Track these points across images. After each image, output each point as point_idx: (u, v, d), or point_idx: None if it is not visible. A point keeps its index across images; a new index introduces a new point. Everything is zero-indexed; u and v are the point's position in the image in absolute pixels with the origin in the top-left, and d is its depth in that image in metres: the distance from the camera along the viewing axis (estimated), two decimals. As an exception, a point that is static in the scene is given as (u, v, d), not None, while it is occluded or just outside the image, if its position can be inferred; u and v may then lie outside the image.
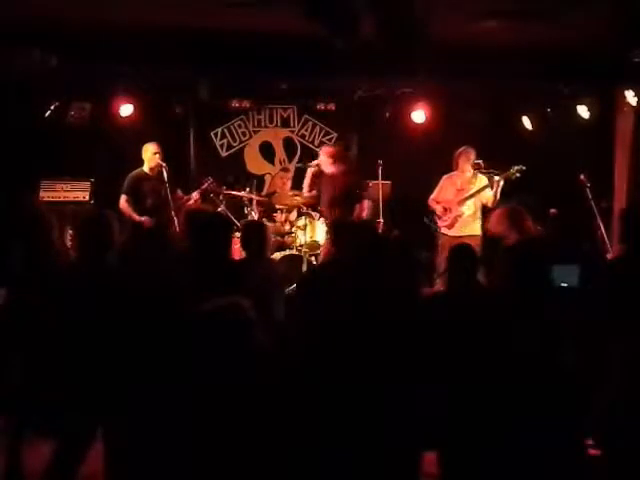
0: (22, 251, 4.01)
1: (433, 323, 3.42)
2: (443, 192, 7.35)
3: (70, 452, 3.51)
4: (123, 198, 6.80)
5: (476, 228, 7.21)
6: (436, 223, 7.36)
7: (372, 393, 2.85)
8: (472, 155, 7.22)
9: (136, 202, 6.81)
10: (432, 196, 7.41)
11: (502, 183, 7.02)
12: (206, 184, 7.28)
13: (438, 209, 7.31)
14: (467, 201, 7.19)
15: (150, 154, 6.87)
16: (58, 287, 3.67)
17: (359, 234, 4.66)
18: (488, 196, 7.12)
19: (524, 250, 3.56)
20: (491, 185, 7.11)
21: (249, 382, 2.42)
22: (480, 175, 7.25)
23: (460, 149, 7.27)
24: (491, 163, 7.31)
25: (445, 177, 7.38)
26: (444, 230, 7.28)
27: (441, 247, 7.20)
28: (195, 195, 7.07)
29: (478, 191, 7.15)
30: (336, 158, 7.29)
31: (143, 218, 6.75)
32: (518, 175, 7.04)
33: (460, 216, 7.21)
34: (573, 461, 2.92)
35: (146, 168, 6.92)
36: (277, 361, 2.66)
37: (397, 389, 2.95)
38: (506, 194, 7.44)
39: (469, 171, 7.23)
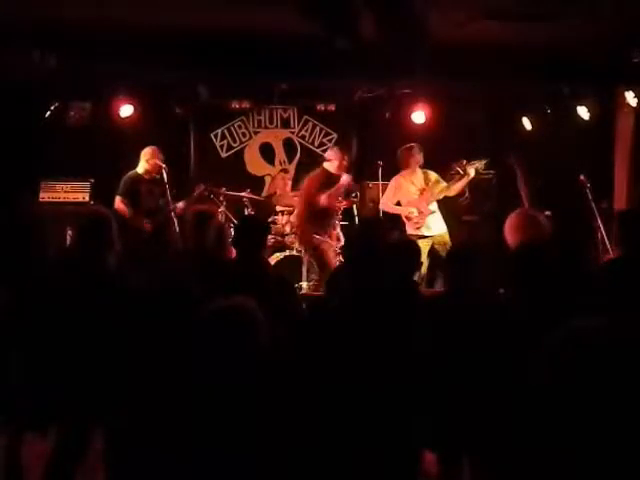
0: (21, 251, 4.01)
1: (433, 324, 3.42)
2: (402, 193, 7.21)
3: (69, 451, 3.51)
4: (118, 199, 6.75)
5: (443, 225, 7.12)
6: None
7: (372, 393, 2.85)
8: (420, 152, 7.15)
9: (132, 203, 6.78)
10: (387, 200, 7.21)
11: (472, 175, 6.97)
12: (197, 191, 7.19)
13: (414, 213, 7.07)
14: (433, 199, 7.11)
15: (150, 158, 6.80)
16: (58, 287, 3.67)
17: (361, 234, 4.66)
18: (442, 187, 7.07)
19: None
20: (464, 173, 7.00)
21: (251, 383, 2.41)
22: (425, 170, 7.21)
23: (406, 146, 7.20)
24: (491, 164, 7.32)
25: (396, 177, 7.26)
26: (413, 232, 6.98)
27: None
28: (181, 204, 6.86)
29: (437, 186, 7.09)
30: None
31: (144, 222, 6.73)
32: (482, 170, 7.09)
33: (427, 215, 7.09)
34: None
35: (141, 170, 6.88)
36: (280, 362, 2.66)
37: (397, 389, 2.95)
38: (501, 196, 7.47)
39: (418, 169, 7.17)
